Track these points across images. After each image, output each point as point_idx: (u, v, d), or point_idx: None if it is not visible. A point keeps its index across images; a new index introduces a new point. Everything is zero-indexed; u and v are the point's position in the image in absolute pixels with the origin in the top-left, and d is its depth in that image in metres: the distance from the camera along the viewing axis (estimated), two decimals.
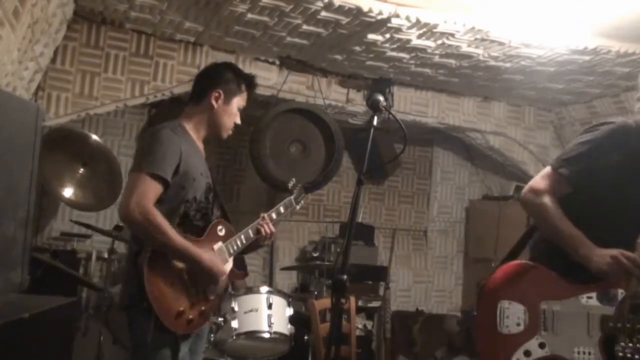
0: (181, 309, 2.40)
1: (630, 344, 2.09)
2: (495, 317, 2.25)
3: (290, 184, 3.01)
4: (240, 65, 4.47)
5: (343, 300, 2.09)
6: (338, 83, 4.99)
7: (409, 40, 4.06)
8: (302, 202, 3.08)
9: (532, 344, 2.21)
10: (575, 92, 4.99)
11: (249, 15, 3.82)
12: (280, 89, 4.73)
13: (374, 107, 2.32)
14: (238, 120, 2.71)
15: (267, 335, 3.82)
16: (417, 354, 5.55)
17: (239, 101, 2.69)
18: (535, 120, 5.63)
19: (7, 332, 1.70)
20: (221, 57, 4.49)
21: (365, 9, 3.61)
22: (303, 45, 4.32)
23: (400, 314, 5.84)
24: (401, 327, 5.67)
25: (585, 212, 2.24)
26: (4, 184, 1.96)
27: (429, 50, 4.22)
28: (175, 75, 4.39)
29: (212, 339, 3.74)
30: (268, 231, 2.74)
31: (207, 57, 4.46)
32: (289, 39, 4.19)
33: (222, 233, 2.62)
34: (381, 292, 5.66)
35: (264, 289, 4.00)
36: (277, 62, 4.71)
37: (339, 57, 4.50)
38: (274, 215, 2.84)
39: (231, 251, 2.63)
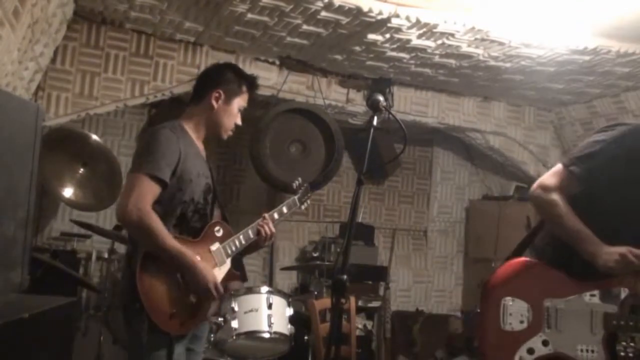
0: (175, 310, 2.39)
1: (632, 344, 2.09)
2: (499, 314, 2.25)
3: (295, 184, 2.97)
4: (240, 65, 4.48)
5: (343, 300, 2.09)
6: (338, 83, 4.99)
7: (409, 40, 4.06)
8: (308, 202, 3.04)
9: (536, 342, 2.21)
10: (575, 92, 4.99)
11: (249, 15, 3.82)
12: (280, 89, 4.73)
13: (374, 107, 2.32)
14: (239, 121, 2.70)
15: (267, 335, 3.81)
16: (417, 354, 5.55)
17: (239, 102, 2.68)
18: (535, 120, 5.63)
19: (7, 332, 1.70)
20: (221, 57, 4.49)
21: (365, 9, 3.61)
22: (303, 45, 4.32)
23: (400, 314, 5.84)
24: (401, 327, 5.67)
25: (594, 210, 2.24)
26: (4, 184, 1.96)
27: (429, 50, 4.22)
28: (175, 75, 4.39)
29: (212, 339, 3.74)
30: (268, 232, 2.70)
31: (207, 57, 4.46)
32: (289, 39, 4.19)
33: (219, 234, 2.60)
34: (381, 292, 5.66)
35: (264, 289, 3.99)
36: (277, 62, 4.71)
37: (339, 57, 4.50)
38: (275, 216, 2.81)
39: (229, 252, 2.60)
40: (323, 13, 3.70)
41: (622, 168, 2.23)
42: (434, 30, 3.87)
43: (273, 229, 2.73)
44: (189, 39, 4.38)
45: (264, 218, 2.74)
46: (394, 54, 4.32)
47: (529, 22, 3.77)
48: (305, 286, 5.61)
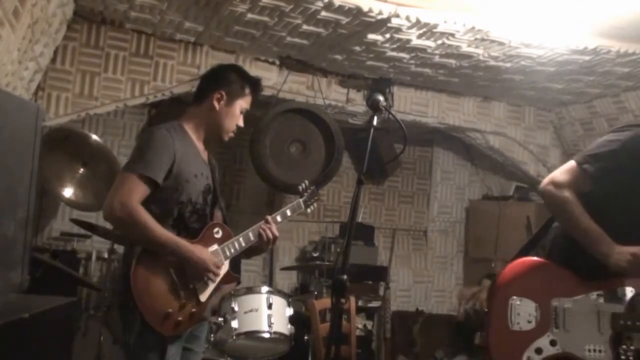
0: (169, 310, 2.38)
1: (632, 347, 2.09)
2: (507, 313, 2.24)
3: (302, 187, 2.88)
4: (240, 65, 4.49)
5: (343, 300, 2.09)
6: (338, 83, 4.99)
7: (409, 40, 4.06)
8: (314, 206, 2.94)
9: (544, 341, 2.21)
10: (575, 92, 4.99)
11: (249, 15, 3.82)
12: (280, 89, 4.73)
13: (374, 107, 2.32)
14: (241, 123, 2.67)
15: (267, 335, 3.82)
16: (417, 354, 5.55)
17: (241, 104, 2.65)
18: (535, 120, 5.63)
19: (7, 332, 1.70)
20: (221, 57, 4.49)
21: (365, 9, 3.61)
22: (303, 45, 4.32)
23: (400, 314, 5.84)
24: (401, 327, 5.67)
25: (605, 210, 2.23)
26: (4, 184, 1.96)
27: (429, 50, 4.22)
28: (175, 75, 4.39)
29: (212, 339, 3.74)
30: (270, 235, 2.65)
31: (207, 57, 4.46)
32: (289, 39, 4.19)
33: (218, 235, 2.58)
34: (381, 292, 5.66)
35: (264, 289, 3.99)
36: (277, 62, 4.71)
37: (339, 57, 4.50)
38: (278, 219, 2.73)
39: (227, 254, 2.58)
40: (323, 13, 3.70)
41: (635, 168, 2.22)
42: (434, 30, 3.87)
43: (276, 233, 2.67)
44: (189, 39, 4.38)
45: (267, 221, 2.68)
46: (394, 54, 4.32)
47: (529, 22, 3.77)
48: (305, 286, 5.61)
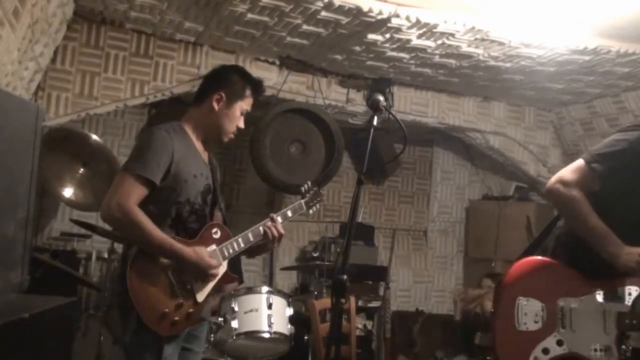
0: (166, 310, 2.38)
1: (630, 346, 2.09)
2: (513, 313, 2.24)
3: (304, 188, 2.85)
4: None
5: (343, 300, 2.09)
6: (338, 83, 4.99)
7: (409, 40, 4.06)
8: (317, 207, 2.90)
9: (550, 341, 2.21)
10: (575, 92, 4.99)
11: (249, 15, 3.82)
12: (280, 89, 4.73)
13: (374, 107, 2.32)
14: (241, 125, 2.65)
15: (267, 335, 3.81)
16: (417, 354, 5.55)
17: (242, 105, 2.62)
18: (535, 120, 5.63)
19: (7, 332, 1.70)
20: (221, 57, 4.49)
21: (365, 9, 3.61)
22: (303, 45, 4.32)
23: (400, 314, 5.84)
24: (401, 327, 5.67)
25: (613, 210, 2.22)
26: (4, 184, 1.96)
27: (429, 50, 4.22)
28: (175, 75, 4.39)
29: (212, 339, 3.74)
30: (276, 233, 2.63)
31: (207, 57, 4.46)
32: (289, 39, 4.19)
33: (217, 236, 2.57)
34: (381, 292, 5.66)
35: (264, 289, 3.99)
36: (277, 62, 4.71)
37: (339, 57, 4.50)
38: (279, 219, 2.71)
39: (226, 254, 2.57)
40: (323, 13, 3.70)
41: None
42: (434, 30, 3.87)
43: (281, 230, 2.65)
44: (189, 39, 4.38)
45: (272, 219, 2.66)
46: (394, 54, 4.32)
47: (529, 22, 3.77)
48: (305, 286, 5.61)
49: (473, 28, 3.82)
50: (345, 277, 2.02)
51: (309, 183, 2.88)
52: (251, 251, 2.72)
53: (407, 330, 5.66)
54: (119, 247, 4.39)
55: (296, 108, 4.84)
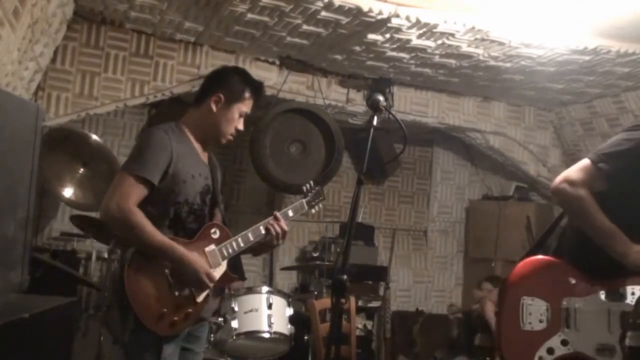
0: (164, 310, 2.37)
1: (627, 344, 2.09)
2: (518, 313, 2.24)
3: (306, 188, 2.84)
4: (240, 66, 4.48)
5: (343, 300, 2.09)
6: (338, 83, 4.99)
7: (409, 40, 4.06)
8: (319, 206, 2.88)
9: (555, 341, 2.21)
10: (575, 92, 4.99)
11: (249, 15, 3.82)
12: (280, 89, 4.73)
13: (374, 107, 2.31)
14: (240, 126, 2.63)
15: (267, 335, 3.82)
16: (417, 354, 5.55)
17: (240, 107, 2.60)
18: (535, 120, 5.63)
19: (7, 332, 1.70)
20: (221, 57, 4.49)
21: (365, 9, 3.61)
22: (303, 45, 4.32)
23: (400, 314, 5.84)
24: (401, 327, 5.67)
25: (620, 209, 2.21)
26: (4, 184, 1.96)
27: (429, 50, 4.22)
28: (175, 75, 4.39)
29: (212, 339, 3.74)
30: (279, 230, 2.63)
31: (207, 57, 4.46)
32: (289, 39, 4.19)
33: (216, 236, 2.56)
34: (381, 292, 5.66)
35: (264, 289, 4.00)
36: (277, 62, 4.71)
37: (339, 57, 4.50)
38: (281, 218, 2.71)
39: (225, 254, 2.56)
40: (323, 13, 3.70)
41: None
42: (434, 30, 3.87)
43: (285, 227, 2.65)
44: (189, 39, 4.38)
45: (276, 217, 2.65)
46: (394, 54, 4.32)
47: (529, 22, 3.77)
48: (305, 286, 5.61)
49: (473, 28, 3.82)
50: (345, 277, 2.02)
51: (311, 182, 2.86)
52: (255, 250, 2.71)
53: (407, 330, 5.66)
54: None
55: (296, 108, 4.84)
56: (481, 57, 4.29)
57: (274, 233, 2.62)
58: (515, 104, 5.56)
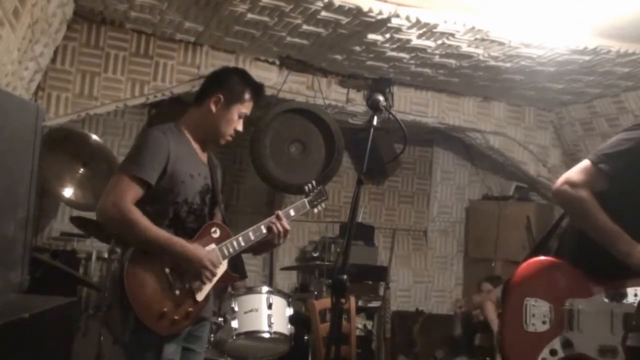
0: (164, 309, 2.37)
1: (627, 344, 2.10)
2: (522, 314, 2.23)
3: (308, 187, 2.83)
4: (240, 66, 4.48)
5: (343, 300, 2.09)
6: (338, 83, 4.99)
7: (409, 40, 4.06)
8: (322, 206, 2.87)
9: (558, 343, 2.20)
10: (575, 92, 4.99)
11: (249, 15, 3.82)
12: (280, 89, 4.73)
13: (374, 107, 2.31)
14: (240, 127, 2.63)
15: (267, 335, 3.82)
16: (417, 354, 5.55)
17: (240, 108, 2.60)
18: (535, 120, 5.63)
19: (7, 332, 1.70)
20: (221, 57, 4.49)
21: (365, 9, 3.61)
22: (303, 45, 4.32)
23: (400, 314, 5.84)
24: (401, 327, 5.67)
25: (621, 209, 2.20)
26: (4, 184, 1.97)
27: (429, 50, 4.22)
28: (175, 75, 4.39)
29: (212, 339, 3.74)
30: (281, 229, 2.63)
31: (207, 57, 4.46)
32: (289, 39, 4.19)
33: (216, 235, 2.56)
34: (381, 292, 5.66)
35: (264, 289, 4.00)
36: (277, 62, 4.71)
37: (339, 57, 4.50)
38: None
39: (226, 253, 2.57)
40: (323, 13, 3.70)
41: None
42: (434, 30, 3.87)
43: (287, 226, 2.65)
44: (189, 39, 4.38)
45: (278, 216, 2.65)
46: (394, 54, 4.32)
47: (529, 22, 3.77)
48: (305, 286, 5.61)
49: (473, 28, 3.82)
50: (345, 277, 2.02)
51: (313, 182, 2.86)
52: (256, 249, 2.71)
53: (407, 330, 5.67)
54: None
55: (296, 108, 4.84)
56: (481, 57, 4.29)
57: (276, 231, 2.62)
58: (515, 104, 5.56)
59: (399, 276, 6.29)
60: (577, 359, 2.20)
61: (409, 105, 5.21)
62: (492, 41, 4.01)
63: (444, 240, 6.52)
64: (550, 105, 5.51)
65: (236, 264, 2.67)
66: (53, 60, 4.01)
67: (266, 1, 3.60)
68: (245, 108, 2.63)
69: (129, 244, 2.43)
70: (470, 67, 4.55)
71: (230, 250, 2.58)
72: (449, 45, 4.11)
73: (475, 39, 3.99)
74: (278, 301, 3.95)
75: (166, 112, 4.87)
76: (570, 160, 5.36)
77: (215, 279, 2.53)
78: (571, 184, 2.26)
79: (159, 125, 2.54)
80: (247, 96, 2.62)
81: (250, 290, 3.98)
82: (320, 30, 3.97)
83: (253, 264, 5.67)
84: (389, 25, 3.81)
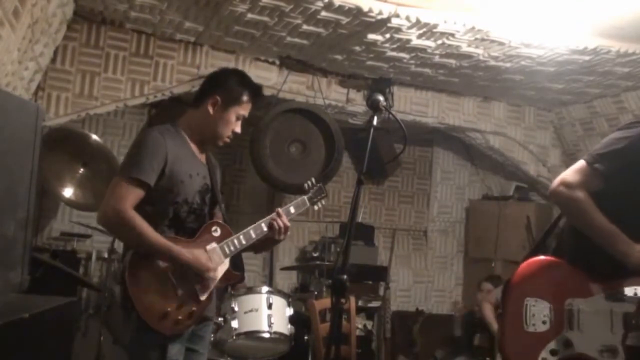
0: (168, 309, 2.38)
1: (627, 343, 2.10)
2: (522, 314, 2.24)
3: (307, 185, 2.84)
4: (240, 66, 4.49)
5: (343, 300, 2.09)
6: (338, 83, 4.99)
7: (409, 40, 4.06)
8: (322, 202, 2.88)
9: (558, 343, 2.20)
10: (575, 92, 4.99)
11: (249, 15, 3.82)
12: (280, 89, 4.73)
13: (374, 107, 2.31)
14: (238, 129, 2.62)
15: (267, 335, 3.82)
16: (417, 354, 5.56)
17: (238, 110, 2.59)
18: (535, 120, 5.63)
19: (7, 332, 1.70)
20: (221, 57, 4.49)
21: (365, 9, 3.61)
22: (303, 45, 4.32)
23: (400, 314, 5.85)
24: (401, 327, 5.67)
25: (617, 208, 2.21)
26: (4, 184, 1.97)
27: (429, 50, 4.22)
28: (175, 75, 4.39)
29: (212, 339, 3.74)
30: (281, 225, 2.63)
31: (207, 57, 4.46)
32: (289, 39, 4.19)
33: (217, 234, 2.56)
34: (381, 292, 5.66)
35: (264, 289, 4.00)
36: (277, 62, 4.71)
37: (339, 57, 4.50)
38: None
39: (227, 252, 2.57)
40: (323, 13, 3.70)
41: None
42: (434, 30, 3.87)
43: (287, 223, 2.66)
44: (189, 39, 4.38)
45: (278, 213, 2.65)
46: (394, 54, 4.32)
47: (529, 22, 3.77)
48: (305, 286, 5.61)
49: (473, 28, 3.82)
50: (345, 277, 2.02)
51: (313, 179, 2.86)
52: (257, 246, 2.71)
53: (407, 330, 5.67)
54: (119, 247, 4.40)
55: (296, 108, 4.84)
56: (481, 57, 4.29)
57: (276, 228, 2.63)
58: (515, 104, 5.56)
59: (399, 276, 6.29)
60: (577, 358, 2.20)
61: (409, 105, 5.21)
62: (492, 41, 4.01)
63: (444, 240, 6.52)
64: (550, 105, 5.51)
65: (237, 262, 2.68)
66: (53, 60, 4.01)
67: (266, 1, 3.60)
68: (243, 110, 2.62)
69: (128, 247, 2.44)
70: (470, 67, 4.55)
71: (232, 248, 2.58)
72: (449, 45, 4.11)
73: (475, 39, 3.99)
74: (278, 301, 3.95)
75: (166, 112, 4.87)
76: (570, 160, 5.35)
77: (217, 278, 2.54)
78: (567, 184, 2.27)
79: (158, 125, 2.54)
80: (245, 98, 2.61)
81: (250, 290, 3.99)
82: (320, 30, 3.97)
83: (253, 264, 5.67)
84: (389, 25, 3.81)
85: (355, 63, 4.62)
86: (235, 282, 2.81)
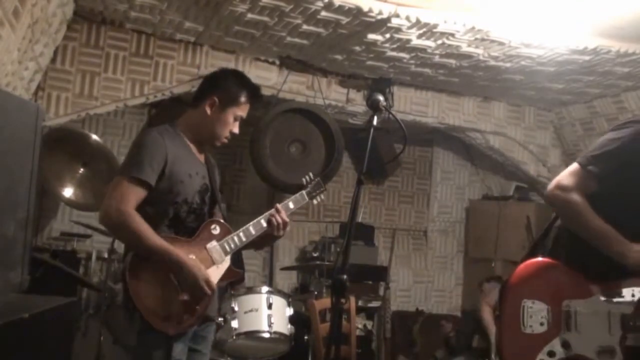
0: (170, 309, 2.38)
1: (626, 344, 2.10)
2: (519, 316, 2.23)
3: (305, 180, 2.85)
4: (240, 66, 4.49)
5: (343, 300, 2.09)
6: (338, 83, 4.99)
7: (409, 40, 4.06)
8: (320, 197, 2.89)
9: (556, 344, 2.20)
10: (575, 92, 4.99)
11: (249, 15, 3.82)
12: (280, 89, 4.73)
13: (374, 107, 2.32)
14: (236, 130, 2.63)
15: (267, 335, 3.82)
16: (417, 354, 5.55)
17: (235, 111, 2.60)
18: (535, 120, 5.63)
19: (7, 332, 1.70)
20: (221, 57, 4.49)
21: (365, 9, 3.61)
22: (303, 45, 4.32)
23: (400, 314, 5.84)
24: (401, 327, 5.67)
25: (613, 209, 2.21)
26: (4, 184, 1.97)
27: (429, 50, 4.22)
28: (175, 75, 4.39)
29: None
30: (280, 220, 2.64)
31: (207, 57, 4.46)
32: (289, 39, 4.19)
33: (216, 232, 2.57)
34: (381, 292, 5.66)
35: (264, 289, 4.00)
36: (277, 62, 4.71)
37: (339, 57, 4.50)
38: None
39: (227, 249, 2.57)
40: (323, 13, 3.70)
41: (638, 166, 2.20)
42: (434, 30, 3.87)
43: (286, 218, 2.67)
44: (189, 39, 4.38)
45: (277, 209, 2.67)
46: (394, 54, 4.32)
47: (529, 22, 3.77)
48: (305, 286, 5.61)
49: (473, 28, 3.82)
50: (345, 277, 2.02)
51: (311, 174, 2.87)
52: (257, 243, 2.71)
53: (407, 330, 5.67)
54: (119, 247, 4.39)
55: (296, 108, 4.84)
56: (481, 57, 4.29)
57: (275, 223, 2.63)
58: (515, 104, 5.56)
59: (399, 276, 6.29)
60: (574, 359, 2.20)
61: (409, 105, 5.21)
62: (492, 41, 4.01)
63: (444, 240, 6.51)
64: (550, 105, 5.51)
65: (236, 260, 2.69)
66: (53, 60, 4.01)
67: (266, 1, 3.60)
68: (241, 111, 2.62)
69: (128, 248, 2.44)
70: (470, 67, 4.55)
71: (232, 245, 2.59)
72: (449, 45, 4.11)
73: (475, 39, 3.99)
74: (278, 301, 3.95)
75: (166, 112, 4.87)
76: (570, 160, 5.33)
77: (219, 276, 2.54)
78: (562, 187, 2.27)
79: (157, 126, 2.55)
80: (243, 99, 2.62)
81: (250, 290, 3.99)
82: (320, 30, 3.97)
83: (253, 264, 5.67)
84: (389, 25, 3.81)
85: (355, 63, 4.62)
86: (236, 279, 2.81)
